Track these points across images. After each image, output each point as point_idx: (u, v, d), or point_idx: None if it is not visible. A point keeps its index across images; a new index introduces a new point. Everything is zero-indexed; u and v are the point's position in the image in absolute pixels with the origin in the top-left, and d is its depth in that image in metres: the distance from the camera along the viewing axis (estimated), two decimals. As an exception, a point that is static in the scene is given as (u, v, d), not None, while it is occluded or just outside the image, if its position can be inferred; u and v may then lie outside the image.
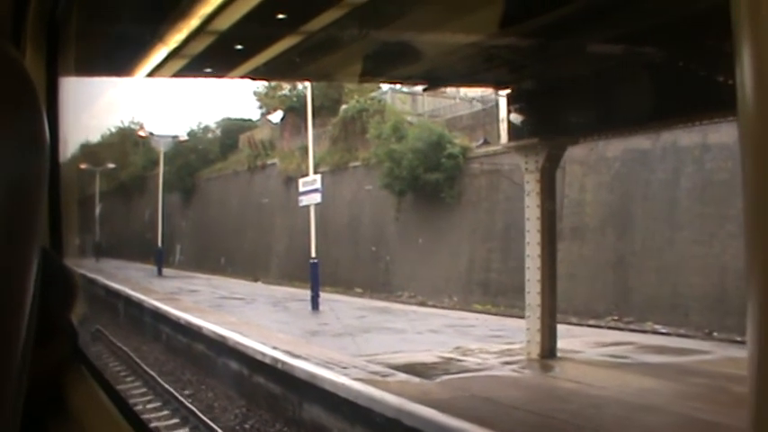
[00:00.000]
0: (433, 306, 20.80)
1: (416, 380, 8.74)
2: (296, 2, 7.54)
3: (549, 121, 10.31)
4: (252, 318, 14.69)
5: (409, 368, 9.41)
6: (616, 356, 10.32)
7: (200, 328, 12.72)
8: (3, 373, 0.59)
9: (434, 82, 11.20)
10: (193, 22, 8.14)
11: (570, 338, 11.77)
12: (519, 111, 10.65)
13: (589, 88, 9.65)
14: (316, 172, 30.17)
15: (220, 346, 11.63)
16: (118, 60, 9.13)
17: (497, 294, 20.24)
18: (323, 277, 28.47)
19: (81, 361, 1.36)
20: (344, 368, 9.26)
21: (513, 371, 9.65)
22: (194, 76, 9.54)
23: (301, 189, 18.78)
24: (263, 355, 10.31)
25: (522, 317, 16.85)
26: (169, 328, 15.00)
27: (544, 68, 9.67)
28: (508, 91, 10.99)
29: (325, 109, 31.92)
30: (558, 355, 10.40)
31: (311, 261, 17.83)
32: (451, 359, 10.39)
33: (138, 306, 18.46)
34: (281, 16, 7.61)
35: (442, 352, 10.89)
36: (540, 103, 10.46)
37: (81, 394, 1.25)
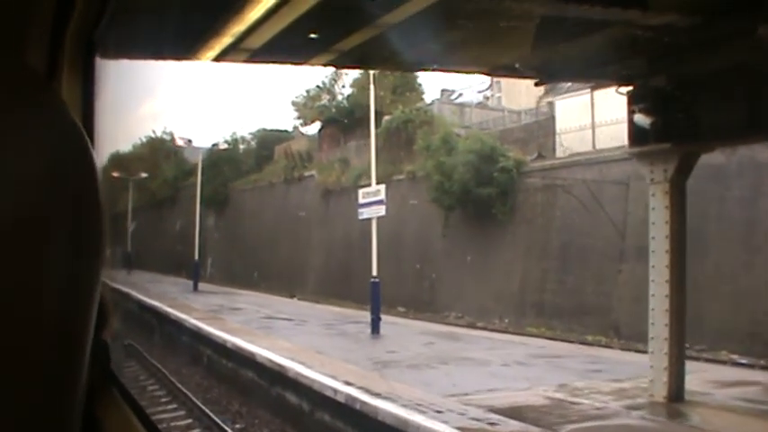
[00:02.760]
0: (484, 328, 20.24)
1: (536, 430, 7.60)
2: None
3: (684, 122, 8.88)
4: (308, 343, 14.05)
5: (517, 413, 8.30)
6: (751, 401, 9.27)
7: (252, 354, 12.12)
8: (73, 379, 0.67)
9: (547, 75, 9.92)
10: (225, 39, 7.65)
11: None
12: (645, 111, 9.18)
13: (743, 81, 8.17)
14: (357, 185, 30.08)
15: (277, 376, 10.93)
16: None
17: (552, 317, 19.62)
18: (361, 295, 28.28)
19: (113, 384, 1.32)
20: (439, 412, 8.11)
21: (645, 418, 8.39)
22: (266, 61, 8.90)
23: (362, 200, 18.30)
24: (335, 391, 9.30)
25: (588, 343, 16.45)
26: (212, 350, 14.52)
27: (696, 56, 8.07)
28: (629, 89, 9.77)
29: (366, 119, 31.73)
30: (686, 397, 9.18)
31: (372, 280, 17.28)
32: (562, 401, 9.22)
33: (176, 324, 18.05)
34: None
35: (545, 391, 9.78)
36: (675, 102, 8.96)
37: (113, 422, 1.22)
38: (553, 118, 23.34)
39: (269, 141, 42.11)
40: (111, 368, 1.29)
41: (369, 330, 16.85)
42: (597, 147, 20.47)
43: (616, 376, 11.03)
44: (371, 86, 18.75)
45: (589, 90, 19.93)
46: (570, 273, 19.08)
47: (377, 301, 17.07)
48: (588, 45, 7.88)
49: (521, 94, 45.72)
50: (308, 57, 8.63)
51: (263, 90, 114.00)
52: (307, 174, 34.86)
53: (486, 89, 51.97)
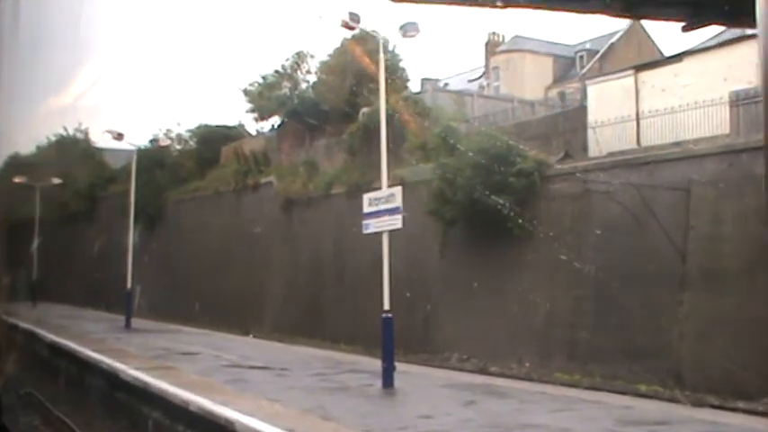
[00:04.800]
0: (501, 374, 19.34)
1: None
2: None
3: None
4: (304, 403, 12.66)
5: None
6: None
7: (230, 422, 10.62)
8: None
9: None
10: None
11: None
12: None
13: None
14: (328, 195, 29.21)
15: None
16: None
17: (589, 360, 18.84)
18: (336, 332, 27.53)
19: None
20: None
21: None
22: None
23: (367, 209, 17.30)
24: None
25: (644, 394, 15.39)
26: (164, 413, 13.00)
27: None
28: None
29: (337, 113, 30.98)
30: None
31: (384, 316, 16.17)
32: None
33: (107, 376, 16.52)
34: None
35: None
36: None
37: None
38: (584, 108, 22.86)
39: (213, 140, 41.88)
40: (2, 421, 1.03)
41: (377, 382, 15.72)
42: (643, 144, 20.10)
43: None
44: (381, 55, 17.69)
45: (632, 72, 19.25)
46: (612, 303, 18.28)
47: (390, 344, 16.00)
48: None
49: (523, 82, 45.75)
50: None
51: (203, 74, 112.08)
52: (263, 180, 34.65)
53: (480, 77, 51.66)
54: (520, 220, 20.91)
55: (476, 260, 22.78)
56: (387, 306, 16.25)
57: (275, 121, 37.65)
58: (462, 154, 21.90)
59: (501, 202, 20.75)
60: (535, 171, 20.94)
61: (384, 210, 16.79)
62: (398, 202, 16.39)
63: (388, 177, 26.48)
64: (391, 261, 25.87)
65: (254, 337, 29.76)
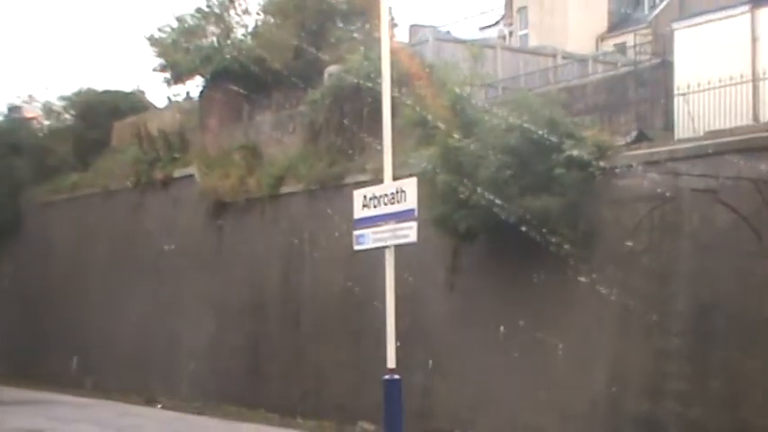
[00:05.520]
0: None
1: None
2: None
3: None
4: None
5: None
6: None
7: None
8: None
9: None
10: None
11: None
12: None
13: None
14: (277, 194, 28.99)
15: None
16: None
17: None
18: (287, 398, 27.55)
19: None
20: None
21: None
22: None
23: (360, 213, 17.44)
24: None
25: None
26: None
27: None
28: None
29: (291, 74, 31.10)
30: None
31: (387, 378, 16.39)
32: None
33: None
34: None
35: None
36: None
37: None
38: (667, 65, 22.96)
39: (101, 113, 41.85)
40: None
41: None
42: (764, 118, 20.11)
43: None
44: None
45: (748, 8, 19.92)
46: (716, 361, 18.42)
47: (397, 417, 16.37)
48: None
49: (565, 28, 45.69)
50: None
51: (85, 14, 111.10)
52: (179, 173, 34.66)
53: (497, 23, 51.56)
54: (571, 233, 20.93)
55: (502, 292, 22.85)
56: (392, 362, 16.35)
57: (197, 85, 37.63)
58: (485, 133, 21.85)
59: (543, 205, 20.67)
60: (594, 159, 20.80)
61: (389, 214, 16.74)
62: (412, 201, 16.29)
63: (366, 171, 27.10)
64: (370, 293, 26.10)
65: (162, 407, 29.97)
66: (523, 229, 20.92)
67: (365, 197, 17.41)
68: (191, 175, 33.60)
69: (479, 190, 21.38)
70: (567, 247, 20.74)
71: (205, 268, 32.36)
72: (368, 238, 17.27)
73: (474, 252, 23.34)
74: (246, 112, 34.03)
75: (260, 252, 30.26)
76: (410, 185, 16.51)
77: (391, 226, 16.64)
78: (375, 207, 17.07)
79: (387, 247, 16.82)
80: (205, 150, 34.12)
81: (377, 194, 17.15)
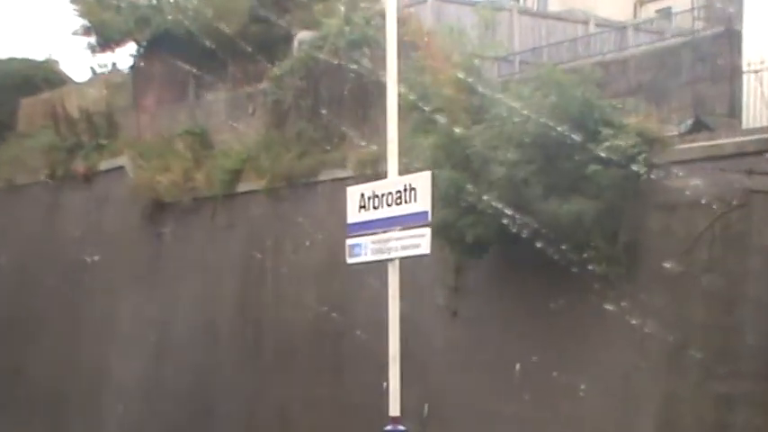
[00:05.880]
0: None
1: None
2: None
3: None
4: None
5: None
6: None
7: None
8: None
9: None
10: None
11: None
12: None
13: None
14: (232, 193, 28.87)
15: None
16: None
17: None
18: None
19: None
20: None
21: None
22: None
23: (355, 217, 17.02)
24: None
25: None
26: None
27: None
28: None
29: (248, 41, 31.50)
30: None
31: (391, 429, 15.83)
32: None
33: None
34: None
35: None
36: None
37: None
38: (732, 35, 23.30)
39: (4, 86, 43.28)
40: None
41: None
42: None
43: None
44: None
45: None
46: None
47: None
48: None
49: None
50: None
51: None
52: (106, 165, 35.55)
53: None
54: (608, 247, 21.62)
55: (517, 321, 23.65)
56: (395, 409, 15.81)
57: (129, 53, 38.56)
58: (501, 119, 22.16)
59: (573, 210, 21.28)
60: (638, 153, 21.20)
61: (394, 218, 16.28)
62: (425, 202, 15.89)
63: (346, 165, 26.83)
64: (351, 318, 26.13)
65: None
66: (546, 240, 21.41)
67: (363, 196, 16.83)
68: (121, 168, 34.27)
69: (491, 191, 21.83)
70: (602, 264, 21.35)
71: (140, 284, 33.04)
72: (365, 249, 16.79)
73: (483, 269, 23.92)
74: (193, 88, 34.76)
75: (210, 265, 30.77)
76: (422, 181, 16.05)
77: (397, 233, 16.20)
78: (376, 209, 16.59)
79: (390, 260, 16.26)
80: (139, 136, 34.70)
81: (378, 193, 16.60)
